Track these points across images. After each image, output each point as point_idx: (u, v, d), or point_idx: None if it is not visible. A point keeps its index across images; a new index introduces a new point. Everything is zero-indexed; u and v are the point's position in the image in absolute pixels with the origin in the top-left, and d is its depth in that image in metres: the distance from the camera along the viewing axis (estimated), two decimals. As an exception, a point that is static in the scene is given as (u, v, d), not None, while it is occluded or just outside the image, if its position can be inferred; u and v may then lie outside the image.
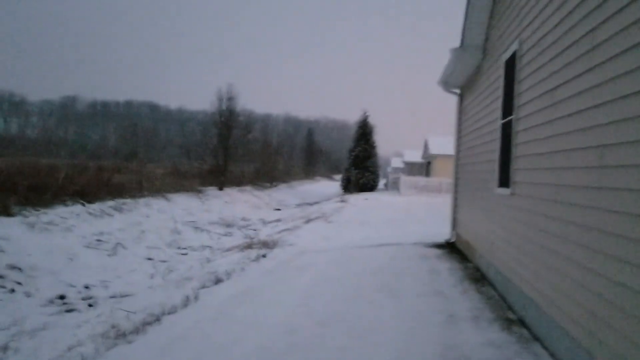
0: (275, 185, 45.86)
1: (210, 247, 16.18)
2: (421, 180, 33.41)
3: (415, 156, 50.04)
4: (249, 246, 13.87)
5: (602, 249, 3.26)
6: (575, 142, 3.74)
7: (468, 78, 9.24)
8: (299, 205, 34.79)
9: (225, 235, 19.49)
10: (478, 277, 6.96)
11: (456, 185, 10.43)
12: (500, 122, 6.40)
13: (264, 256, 11.54)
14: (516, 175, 5.53)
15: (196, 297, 7.42)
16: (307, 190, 49.17)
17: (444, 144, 37.89)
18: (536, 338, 4.48)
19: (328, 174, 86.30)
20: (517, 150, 5.55)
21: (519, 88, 5.57)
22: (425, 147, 42.02)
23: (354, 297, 5.96)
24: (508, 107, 6.06)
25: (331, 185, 56.14)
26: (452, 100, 10.79)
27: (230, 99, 32.74)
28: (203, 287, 8.37)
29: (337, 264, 8.56)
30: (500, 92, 6.51)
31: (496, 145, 6.54)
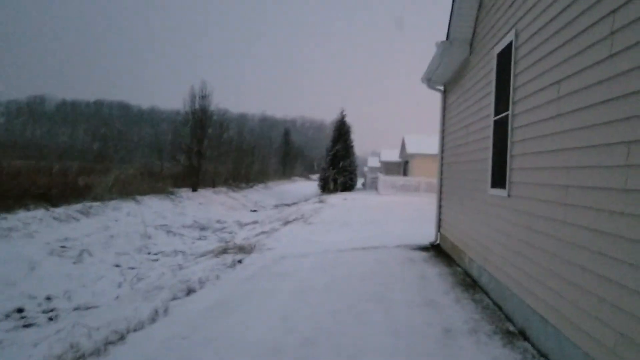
0: (252, 186, 45.13)
1: (183, 252, 15.52)
2: (400, 179, 33.20)
3: (393, 155, 49.92)
4: (225, 251, 13.28)
5: (627, 259, 2.86)
6: (592, 138, 3.34)
7: (453, 74, 8.88)
8: (276, 206, 34.23)
9: (200, 239, 18.84)
10: (470, 283, 6.57)
11: (441, 185, 10.07)
12: (492, 118, 6.01)
13: (240, 262, 10.98)
14: (514, 176, 5.14)
15: (166, 311, 6.83)
16: (284, 191, 48.58)
17: (421, 143, 37.81)
18: (542, 354, 4.08)
19: (305, 174, 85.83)
20: (514, 149, 5.16)
21: (515, 82, 5.18)
22: (403, 146, 41.89)
23: (342, 309, 5.49)
24: (502, 103, 5.67)
25: (309, 185, 55.67)
26: (431, 99, 10.42)
27: (204, 97, 31.91)
28: (174, 298, 7.76)
29: (320, 270, 8.08)
30: (492, 87, 6.13)
31: (488, 143, 6.15)
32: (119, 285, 10.61)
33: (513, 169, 5.17)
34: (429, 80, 9.84)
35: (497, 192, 5.64)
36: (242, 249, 13.19)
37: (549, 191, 4.12)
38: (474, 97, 7.16)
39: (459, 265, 7.81)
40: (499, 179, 5.67)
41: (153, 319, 6.70)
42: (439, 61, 8.26)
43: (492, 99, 6.09)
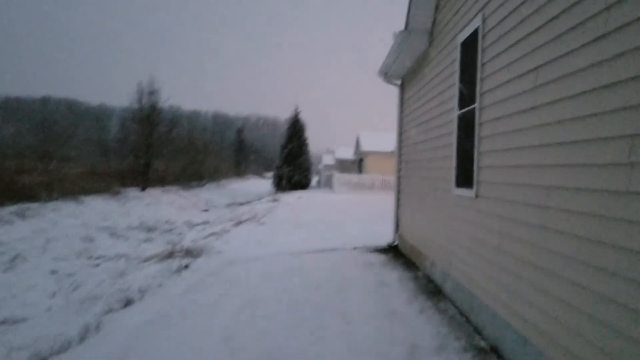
0: (204, 185, 43.84)
1: (126, 256, 14.52)
2: (355, 177, 32.92)
3: (347, 153, 49.75)
4: (171, 255, 12.44)
5: (626, 273, 2.42)
6: (585, 131, 2.88)
7: (412, 67, 8.45)
8: (229, 205, 33.23)
9: (146, 241, 17.81)
10: (433, 290, 6.12)
11: (399, 184, 9.65)
12: (456, 113, 5.58)
13: (186, 267, 10.23)
14: (482, 174, 4.69)
15: (98, 327, 6.05)
16: (237, 189, 47.50)
17: (376, 141, 37.75)
18: (519, 374, 3.63)
19: (260, 172, 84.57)
20: (482, 145, 4.72)
21: (483, 72, 4.74)
22: (357, 144, 41.71)
23: (295, 323, 4.90)
24: (467, 95, 5.23)
25: (263, 184, 54.69)
26: (388, 95, 10.01)
27: (153, 92, 30.49)
28: (109, 310, 6.98)
29: (272, 277, 7.46)
30: (455, 79, 5.70)
31: (452, 140, 5.71)
32: (53, 295, 9.66)
33: (481, 167, 4.73)
34: (386, 75, 9.39)
35: (463, 192, 5.20)
36: (189, 253, 12.41)
37: (525, 192, 3.68)
38: (434, 90, 6.72)
39: (419, 269, 7.38)
40: (464, 178, 5.24)
41: (82, 337, 5.93)
42: (396, 53, 7.80)
43: (455, 91, 5.65)
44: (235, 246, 12.35)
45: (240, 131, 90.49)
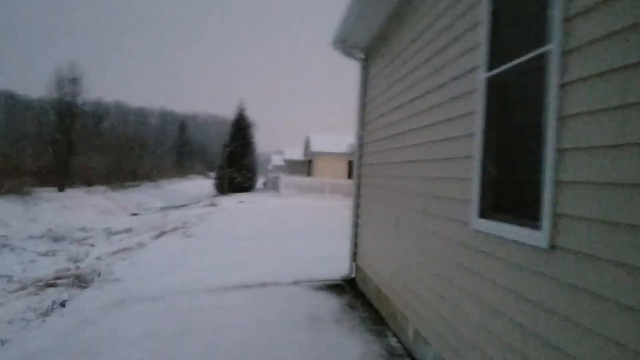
0: (138, 185, 39.94)
1: (9, 277, 11.29)
2: (303, 180, 30.24)
3: (297, 154, 46.99)
4: (54, 282, 9.40)
5: None
6: None
7: (383, 27, 5.84)
8: (162, 208, 29.82)
9: (45, 254, 14.52)
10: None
11: (358, 196, 7.00)
12: (484, 74, 2.96)
13: (63, 305, 7.33)
14: (567, 199, 2.09)
15: None
16: (176, 191, 43.78)
17: (326, 142, 35.29)
18: None
19: (205, 172, 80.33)
20: (568, 133, 2.12)
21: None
22: (307, 144, 39.10)
23: None
24: (513, 40, 2.63)
25: (205, 185, 51.09)
26: (342, 92, 7.35)
27: (74, 80, 26.49)
28: None
29: (158, 346, 4.63)
30: (481, 14, 3.08)
31: (472, 125, 3.10)
32: None
33: (564, 182, 2.12)
34: (344, 43, 6.75)
35: (504, 230, 2.58)
36: (78, 279, 9.42)
37: None
38: (430, 48, 4.09)
39: (390, 331, 4.75)
40: (505, 202, 2.63)
41: None
42: (360, 6, 5.18)
43: (482, 35, 3.04)
44: (141, 271, 9.39)
45: (182, 127, 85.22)
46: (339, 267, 7.59)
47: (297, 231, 14.03)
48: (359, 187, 7.00)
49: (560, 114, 2.18)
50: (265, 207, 21.73)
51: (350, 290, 6.52)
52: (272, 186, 35.91)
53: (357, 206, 6.97)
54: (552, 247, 2.16)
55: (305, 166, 42.35)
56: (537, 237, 2.25)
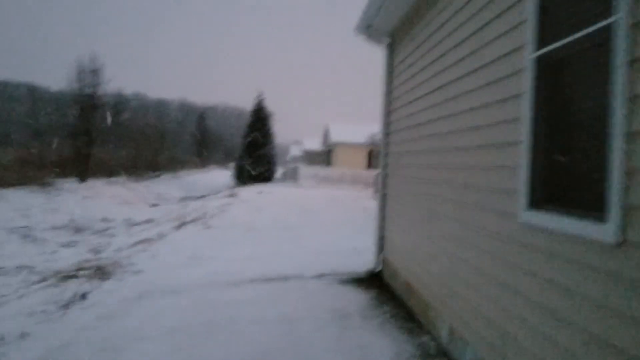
0: (158, 176, 40.16)
1: (30, 268, 11.29)
2: (322, 170, 30.00)
3: (315, 144, 46.76)
4: (75, 273, 9.38)
5: None
6: None
7: (410, 10, 5.56)
8: (182, 199, 29.91)
9: (67, 245, 14.55)
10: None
11: (385, 184, 6.76)
12: (532, 54, 2.70)
13: (83, 297, 7.32)
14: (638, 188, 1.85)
15: None
16: (195, 181, 43.91)
17: (345, 131, 34.95)
18: None
19: (224, 163, 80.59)
20: (639, 115, 1.87)
21: None
22: (326, 134, 38.82)
23: None
24: (569, 16, 2.37)
25: (225, 176, 51.26)
26: (363, 83, 7.13)
27: (94, 72, 26.60)
28: None
29: (180, 342, 4.49)
30: (532, 1, 2.82)
31: (518, 109, 2.85)
32: None
33: (635, 170, 1.88)
34: (368, 29, 6.50)
35: (559, 223, 2.34)
36: (100, 271, 9.38)
37: None
38: (467, 27, 3.82)
39: (426, 331, 4.53)
40: (559, 191, 2.39)
41: None
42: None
43: (531, 11, 2.78)
44: (161, 262, 9.34)
45: (202, 118, 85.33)
46: (365, 260, 7.40)
47: (319, 222, 13.85)
48: (385, 177, 6.77)
49: (630, 94, 1.93)
50: (285, 198, 21.60)
51: (377, 284, 6.31)
52: (291, 177, 35.81)
53: (383, 197, 6.74)
54: (621, 241, 1.92)
55: (324, 157, 42.10)
56: (603, 231, 2.01)
